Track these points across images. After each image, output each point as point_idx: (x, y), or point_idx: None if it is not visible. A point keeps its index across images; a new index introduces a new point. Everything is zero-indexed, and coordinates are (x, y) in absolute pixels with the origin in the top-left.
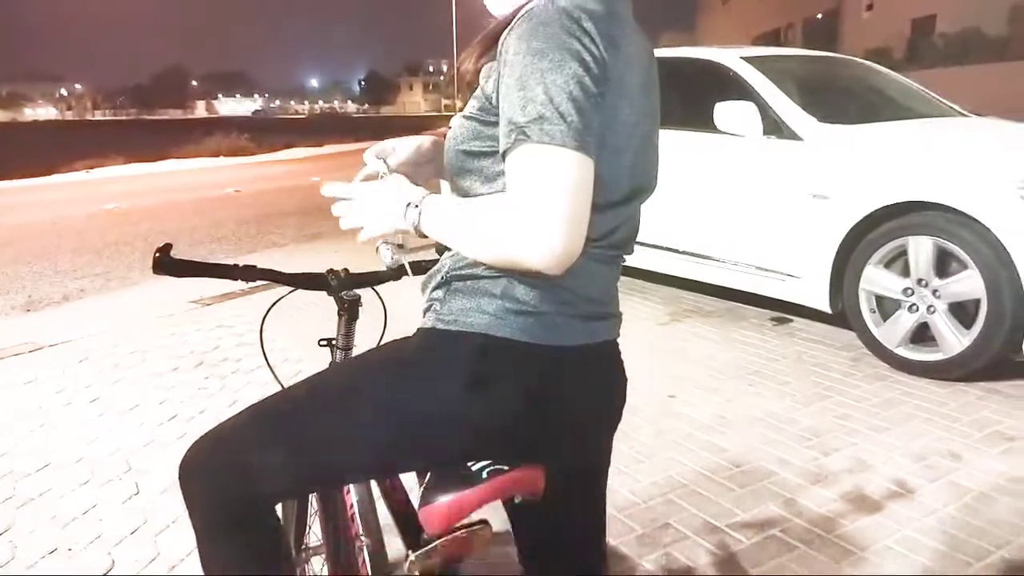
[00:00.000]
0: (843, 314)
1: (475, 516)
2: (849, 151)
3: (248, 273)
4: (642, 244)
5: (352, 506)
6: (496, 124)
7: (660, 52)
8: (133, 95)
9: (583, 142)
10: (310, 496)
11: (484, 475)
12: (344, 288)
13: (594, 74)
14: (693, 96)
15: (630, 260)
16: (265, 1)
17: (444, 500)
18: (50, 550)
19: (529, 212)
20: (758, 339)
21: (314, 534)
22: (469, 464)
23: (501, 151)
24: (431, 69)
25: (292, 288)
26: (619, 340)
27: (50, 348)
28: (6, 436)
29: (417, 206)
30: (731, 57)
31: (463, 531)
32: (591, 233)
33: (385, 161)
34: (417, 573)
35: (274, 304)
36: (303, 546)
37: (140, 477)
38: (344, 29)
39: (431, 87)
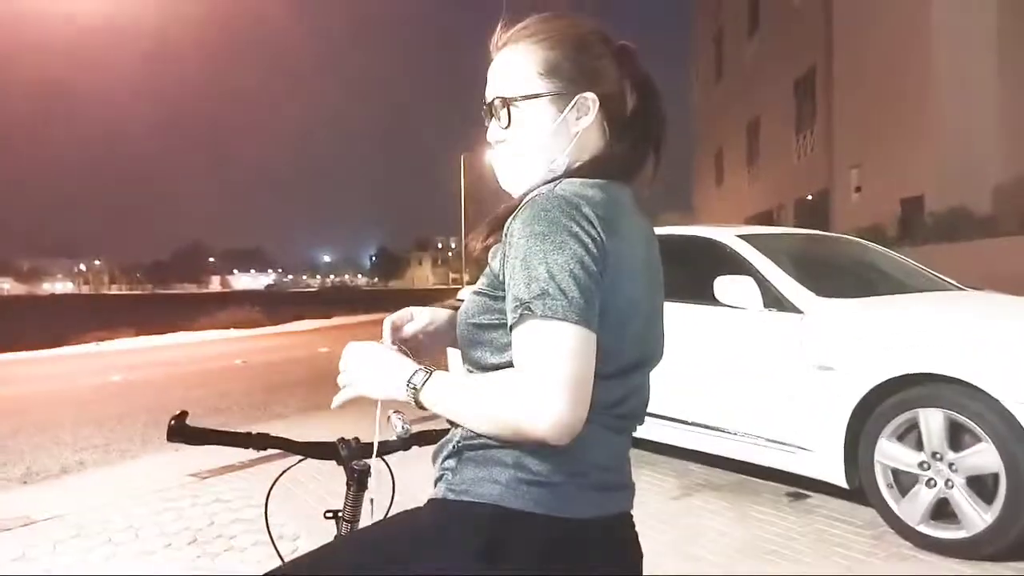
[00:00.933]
0: (861, 489)
1: None
2: (851, 324)
3: (260, 441)
4: (650, 415)
5: None
6: (503, 299)
7: (661, 230)
8: (151, 271)
9: (584, 316)
10: None
11: None
12: (354, 458)
13: (593, 254)
14: (694, 271)
15: (638, 431)
16: (284, 180)
17: None
18: None
19: (532, 380)
20: (774, 515)
21: None
22: None
23: (508, 326)
24: (439, 245)
25: (302, 457)
26: (632, 513)
27: (43, 522)
28: None
29: (413, 383)
30: (727, 235)
31: None
32: (600, 401)
33: (395, 336)
34: None
35: (282, 473)
36: None
37: None
38: (358, 207)
39: (439, 262)
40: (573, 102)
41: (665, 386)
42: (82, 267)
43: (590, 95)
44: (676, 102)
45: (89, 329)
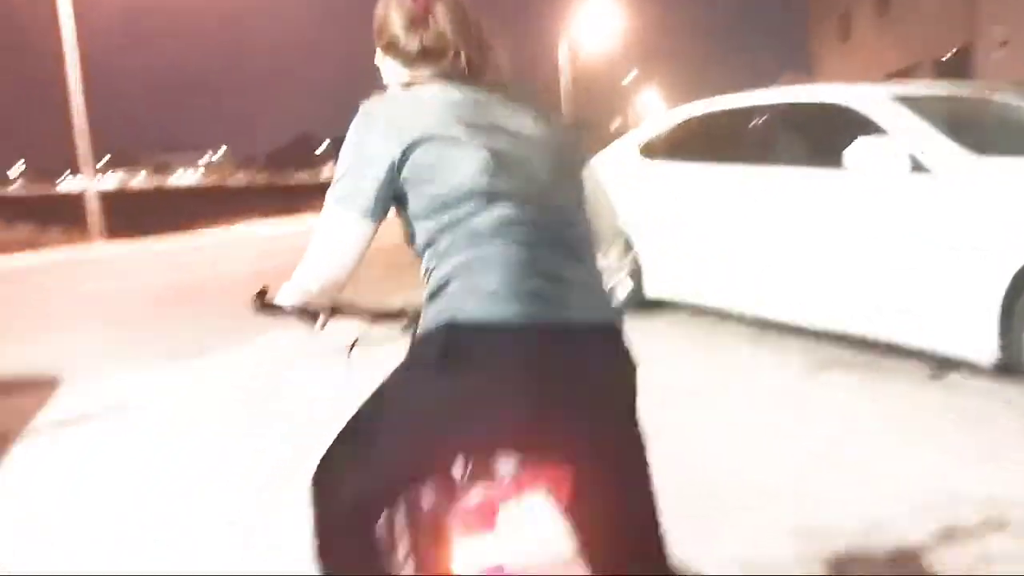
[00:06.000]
0: (1008, 366)
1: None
2: (1011, 189)
3: (335, 311)
4: (770, 294)
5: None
6: None
7: (788, 93)
8: (268, 161)
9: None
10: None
11: (511, 469)
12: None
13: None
14: (829, 135)
15: (766, 311)
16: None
17: (471, 497)
18: None
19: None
20: (913, 393)
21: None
22: (501, 464)
23: None
24: None
25: (373, 322)
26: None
27: (179, 399)
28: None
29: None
30: (871, 94)
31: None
32: (424, 240)
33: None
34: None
35: (355, 343)
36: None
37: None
38: None
39: None
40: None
41: (789, 261)
42: (206, 159)
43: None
44: None
45: (215, 216)
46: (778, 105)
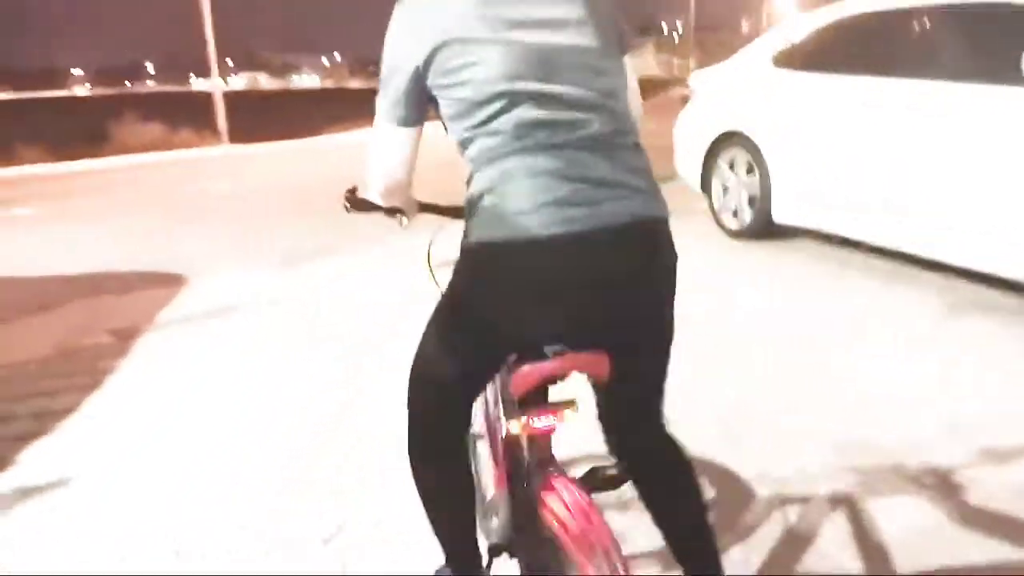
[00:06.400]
0: None
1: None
2: None
3: (423, 208)
4: (917, 226)
5: (489, 397)
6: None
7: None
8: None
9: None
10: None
11: (550, 354)
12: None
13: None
14: (1007, 45)
15: (906, 244)
16: None
17: (522, 369)
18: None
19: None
20: None
21: None
22: (546, 348)
23: None
24: (664, 29)
25: (454, 218)
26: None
27: (290, 302)
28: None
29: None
30: None
31: (552, 405)
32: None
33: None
34: (518, 429)
35: (433, 238)
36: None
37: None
38: None
39: (662, 48)
40: None
41: (940, 191)
42: (325, 62)
43: None
44: None
45: (333, 121)
46: (945, 7)
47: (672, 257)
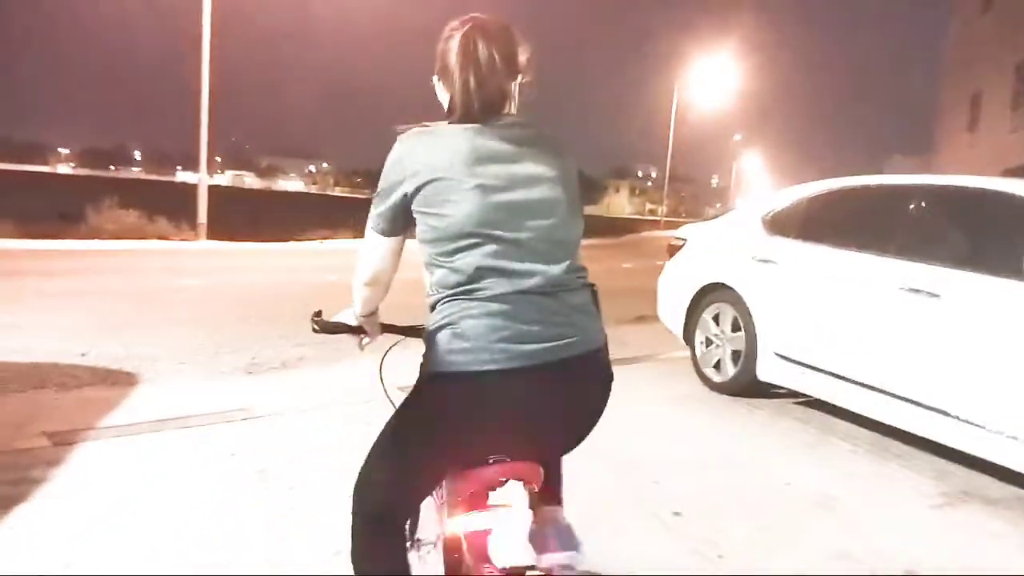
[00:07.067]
0: None
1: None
2: None
3: (384, 328)
4: (910, 402)
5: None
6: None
7: (961, 179)
8: (368, 176)
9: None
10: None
11: (490, 461)
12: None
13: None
14: (1007, 234)
15: (897, 419)
16: None
17: (464, 475)
18: None
19: None
20: None
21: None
22: (488, 458)
23: None
24: (639, 174)
25: (413, 336)
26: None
27: (261, 419)
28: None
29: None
30: None
31: (491, 507)
32: (445, 281)
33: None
34: (458, 530)
35: (390, 348)
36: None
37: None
38: (559, 130)
39: (637, 191)
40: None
41: (944, 372)
42: (312, 168)
43: (434, 77)
44: (932, 41)
45: (315, 227)
46: (947, 189)
47: (607, 377)
